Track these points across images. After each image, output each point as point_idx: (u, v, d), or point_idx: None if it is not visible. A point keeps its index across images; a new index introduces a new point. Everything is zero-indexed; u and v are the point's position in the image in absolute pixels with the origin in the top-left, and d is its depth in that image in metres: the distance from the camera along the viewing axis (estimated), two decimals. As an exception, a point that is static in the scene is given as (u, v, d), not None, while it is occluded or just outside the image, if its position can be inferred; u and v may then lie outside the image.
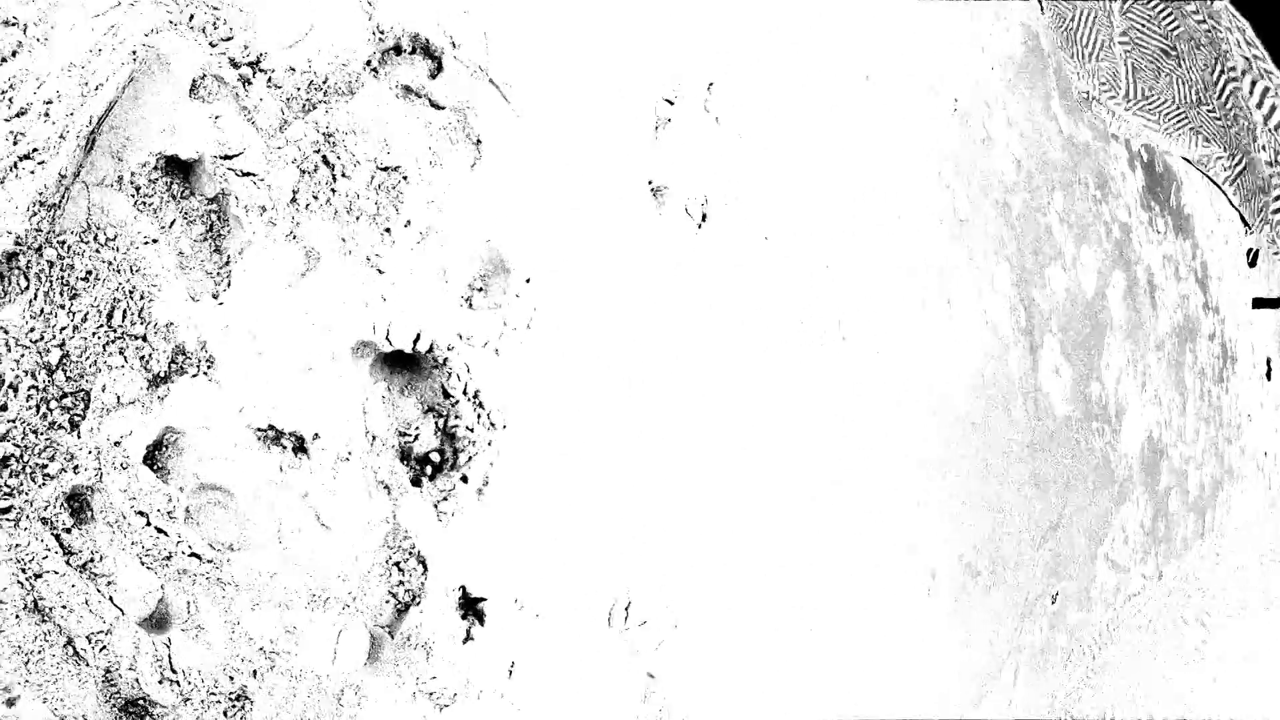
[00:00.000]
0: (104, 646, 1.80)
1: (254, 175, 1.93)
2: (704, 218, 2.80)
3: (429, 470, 2.27)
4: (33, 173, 1.67)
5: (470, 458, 2.29)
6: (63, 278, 1.72)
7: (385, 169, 2.11)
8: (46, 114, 1.68)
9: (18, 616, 1.71)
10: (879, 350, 3.44)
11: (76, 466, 1.75)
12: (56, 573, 1.74)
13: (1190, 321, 5.84)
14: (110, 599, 1.80)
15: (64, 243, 1.72)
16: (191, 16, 1.85)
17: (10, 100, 1.66)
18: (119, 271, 1.79)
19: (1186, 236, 5.86)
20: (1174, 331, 5.64)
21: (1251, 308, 6.61)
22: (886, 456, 3.49)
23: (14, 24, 1.66)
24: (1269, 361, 6.90)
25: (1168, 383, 5.57)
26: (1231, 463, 6.38)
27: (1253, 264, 6.69)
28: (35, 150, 1.67)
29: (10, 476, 1.69)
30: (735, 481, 2.90)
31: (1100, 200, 4.98)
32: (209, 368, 1.90)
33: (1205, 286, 6.04)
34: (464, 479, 2.28)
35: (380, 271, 2.11)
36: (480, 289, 2.29)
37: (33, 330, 1.69)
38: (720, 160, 2.86)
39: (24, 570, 1.71)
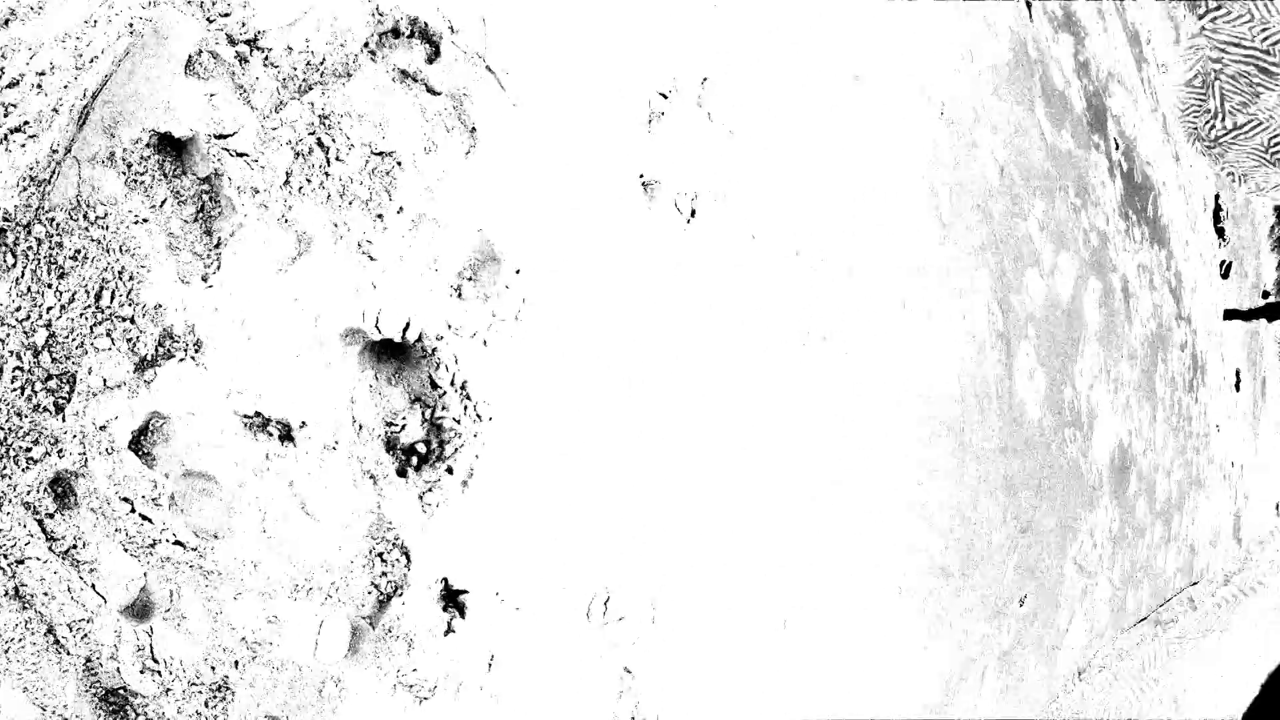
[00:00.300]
0: (85, 635, 1.76)
1: (248, 156, 1.89)
2: (693, 213, 2.78)
3: (415, 461, 2.24)
4: (23, 146, 1.63)
5: (456, 449, 2.26)
6: (51, 256, 1.68)
7: (380, 154, 2.07)
8: (39, 86, 1.64)
9: (-3, 602, 1.67)
10: (855, 350, 3.43)
11: (61, 451, 1.71)
12: (38, 559, 1.70)
13: (1163, 331, 5.89)
14: (92, 586, 1.77)
15: (53, 220, 1.68)
16: (189, -9, 1.81)
17: (2, 71, 1.62)
18: (108, 251, 1.75)
19: (1162, 246, 5.91)
20: (1147, 340, 5.69)
21: (1223, 319, 6.68)
22: (863, 459, 3.49)
23: (7, -7, 1.62)
24: (1238, 373, 6.98)
25: (1139, 391, 5.62)
26: (1199, 471, 6.44)
27: (1225, 275, 6.76)
28: (27, 123, 1.63)
29: (-7, 458, 1.65)
30: (715, 477, 2.89)
31: (1079, 208, 5.01)
32: (197, 352, 1.86)
33: (1179, 297, 6.10)
34: (449, 470, 2.26)
35: (372, 258, 2.08)
36: (470, 278, 2.27)
37: (19, 309, 1.65)
38: (711, 156, 2.85)
39: (5, 556, 1.67)
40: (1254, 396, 7.36)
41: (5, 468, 1.66)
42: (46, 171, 1.66)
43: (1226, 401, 6.81)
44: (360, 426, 2.13)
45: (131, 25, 1.72)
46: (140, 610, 1.84)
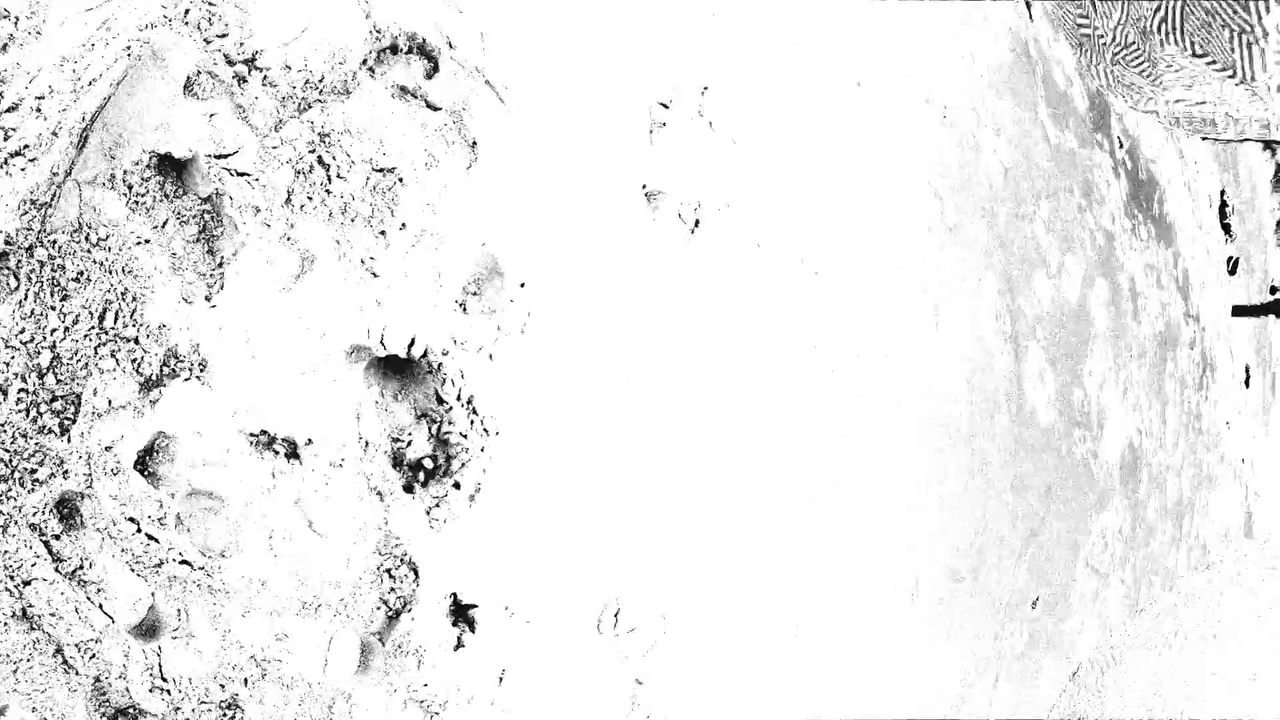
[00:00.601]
0: (94, 655, 1.76)
1: (248, 175, 1.89)
2: (697, 223, 2.78)
3: (422, 476, 2.24)
4: (24, 170, 1.63)
5: (463, 464, 2.26)
6: (53, 278, 1.68)
7: (381, 170, 2.07)
8: (38, 110, 1.64)
9: (6, 624, 1.67)
10: (864, 355, 3.43)
11: (66, 472, 1.72)
12: (45, 580, 1.71)
13: (1171, 329, 5.87)
14: (100, 607, 1.77)
15: (55, 242, 1.69)
16: (187, 11, 1.81)
17: (1, 95, 1.62)
18: (111, 272, 1.75)
19: (1169, 245, 5.90)
20: (1155, 339, 5.67)
21: (1231, 315, 6.66)
22: (875, 464, 3.49)
23: (5, 16, 1.62)
24: (1247, 369, 6.95)
25: (1148, 390, 5.60)
26: (1210, 470, 6.42)
27: (1233, 272, 6.74)
28: (26, 147, 1.63)
29: (-1, 482, 1.65)
30: (724, 488, 2.88)
31: (1085, 208, 5.00)
32: (202, 371, 1.86)
33: (1186, 295, 6.08)
34: (456, 485, 2.26)
35: (375, 275, 2.08)
36: (474, 293, 2.27)
37: (23, 332, 1.65)
38: (714, 165, 2.85)
39: (12, 578, 1.67)
40: (1263, 392, 7.33)
41: (11, 490, 1.67)
42: (47, 195, 1.66)
43: (1236, 398, 6.79)
44: (366, 443, 2.13)
45: (129, 48, 1.73)
46: (148, 629, 1.84)
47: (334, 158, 2.00)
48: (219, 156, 1.87)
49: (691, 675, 2.82)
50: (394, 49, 2.13)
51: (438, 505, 2.23)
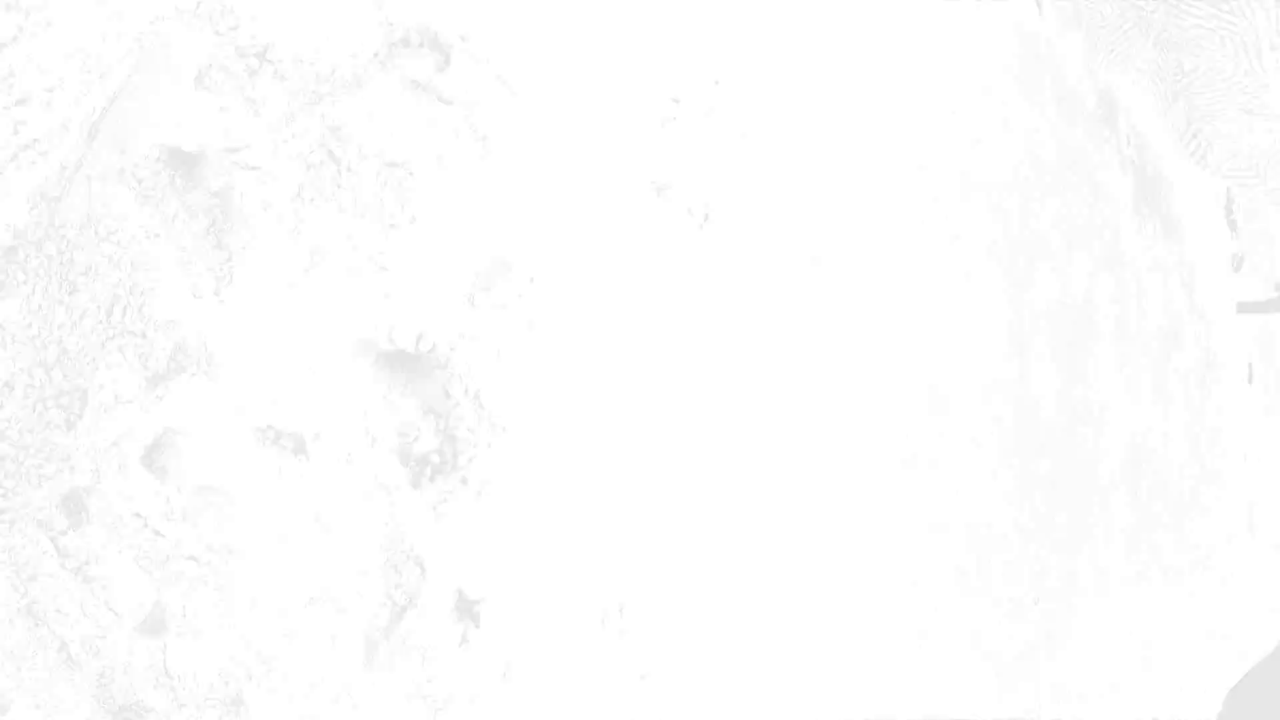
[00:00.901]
0: (98, 651, 1.75)
1: (259, 169, 1.88)
2: (706, 217, 2.76)
3: (428, 471, 2.23)
4: (34, 163, 1.62)
5: (470, 459, 2.25)
6: (62, 273, 1.67)
7: (391, 164, 2.06)
8: (49, 103, 1.62)
9: (11, 621, 1.66)
10: (870, 350, 3.41)
11: (73, 467, 1.71)
12: (51, 576, 1.70)
13: (1175, 325, 5.86)
14: (105, 603, 1.76)
15: (64, 236, 1.67)
16: (199, 3, 1.79)
17: (11, 87, 1.61)
18: (119, 266, 1.74)
19: (1175, 241, 5.87)
20: (1160, 335, 5.66)
21: (1236, 312, 6.63)
22: (874, 458, 3.47)
23: (16, 8, 1.60)
24: (1251, 366, 6.94)
25: (1152, 386, 5.58)
26: (1212, 465, 6.41)
27: (1238, 269, 6.72)
28: (36, 140, 1.62)
29: (5, 478, 1.64)
30: (733, 485, 2.87)
31: (1092, 204, 4.98)
32: (209, 366, 1.85)
33: (1191, 291, 6.06)
34: (463, 480, 2.24)
35: (384, 269, 2.06)
36: (484, 287, 2.25)
37: (30, 326, 1.64)
38: (724, 159, 2.83)
39: (18, 574, 1.66)
40: (1267, 389, 7.31)
41: (18, 486, 1.66)
42: (57, 188, 1.64)
43: (1239, 395, 6.77)
44: (374, 438, 2.12)
45: (140, 40, 1.71)
46: (153, 625, 1.83)
47: (345, 151, 1.99)
48: (230, 150, 1.85)
49: (696, 671, 2.82)
50: (406, 42, 2.11)
51: (444, 500, 2.21)
